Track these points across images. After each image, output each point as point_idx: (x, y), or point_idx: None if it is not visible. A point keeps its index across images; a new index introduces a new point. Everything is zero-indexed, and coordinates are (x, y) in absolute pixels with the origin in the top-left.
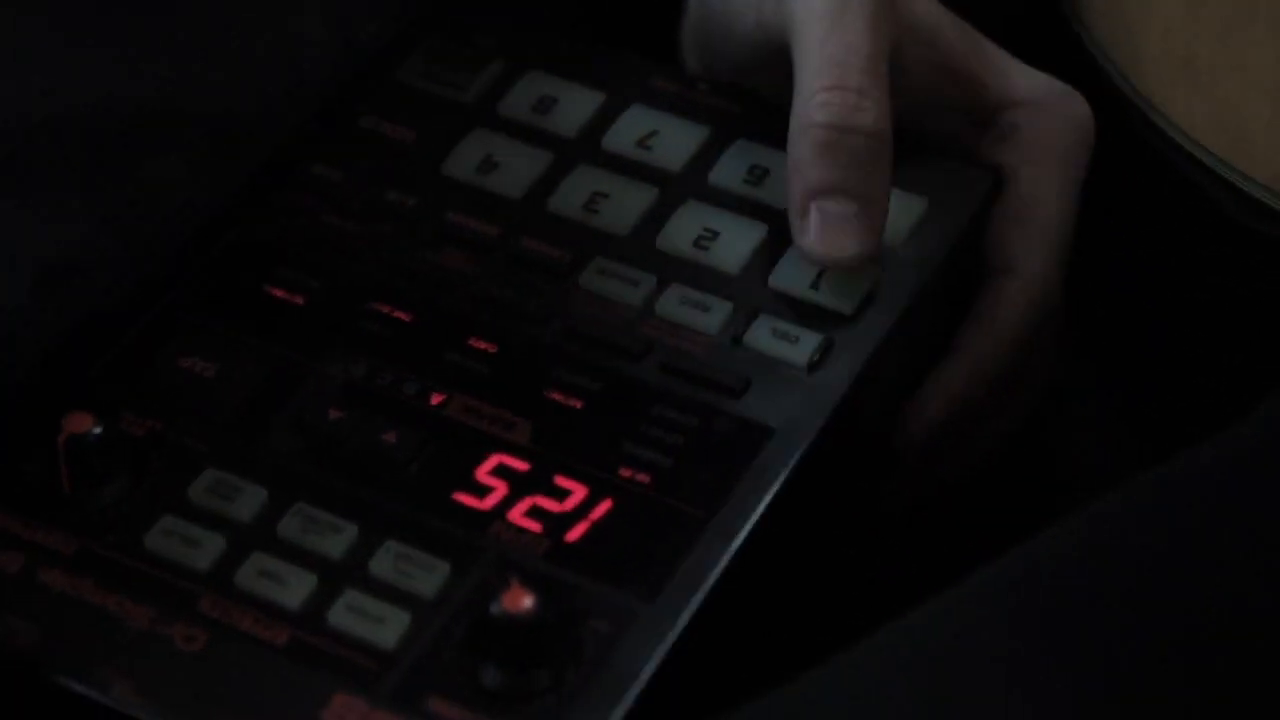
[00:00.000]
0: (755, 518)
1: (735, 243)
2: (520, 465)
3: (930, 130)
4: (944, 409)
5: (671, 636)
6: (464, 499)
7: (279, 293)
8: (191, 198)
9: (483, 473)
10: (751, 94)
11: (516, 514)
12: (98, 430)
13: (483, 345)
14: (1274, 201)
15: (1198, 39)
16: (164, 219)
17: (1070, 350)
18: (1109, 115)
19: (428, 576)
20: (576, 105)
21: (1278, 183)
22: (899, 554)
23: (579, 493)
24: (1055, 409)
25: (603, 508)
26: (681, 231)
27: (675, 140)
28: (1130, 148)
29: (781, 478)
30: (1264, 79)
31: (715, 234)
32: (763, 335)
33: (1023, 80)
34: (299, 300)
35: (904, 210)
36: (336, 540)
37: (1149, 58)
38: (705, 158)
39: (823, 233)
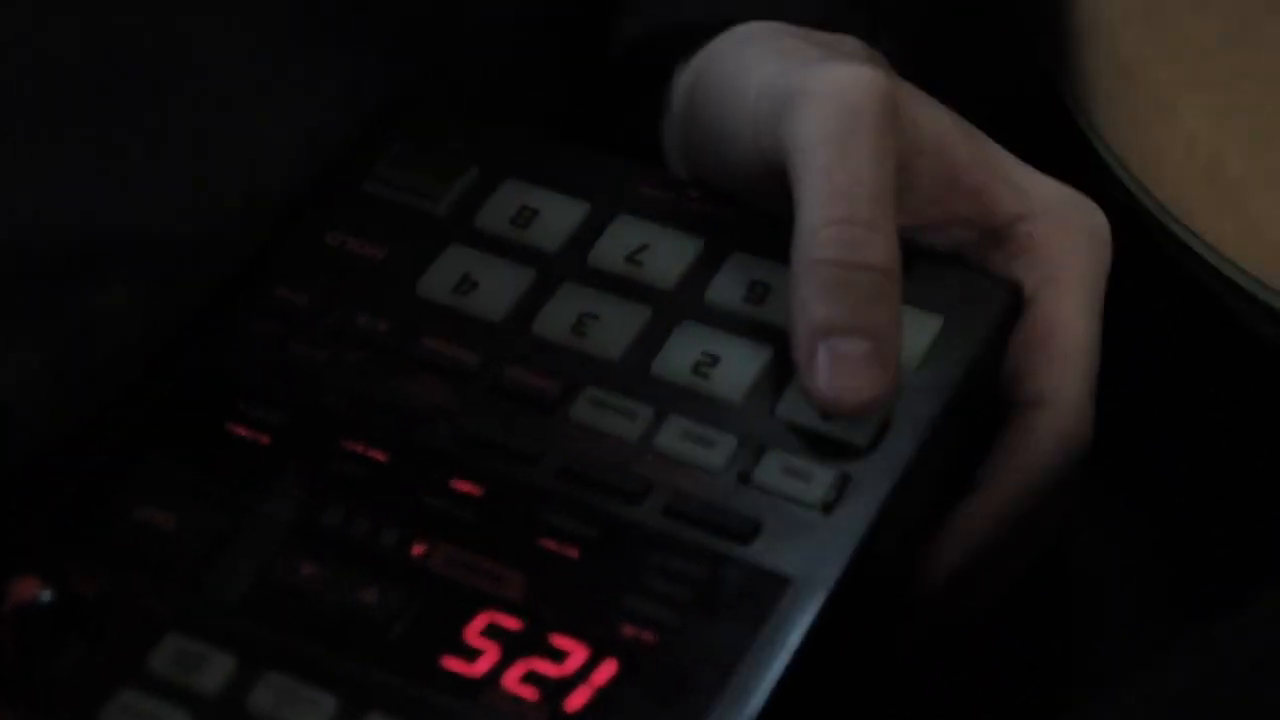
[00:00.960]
0: (775, 680)
1: (737, 368)
2: (513, 624)
3: (940, 246)
4: (968, 551)
5: None
6: (452, 664)
7: (241, 431)
8: (139, 328)
9: (472, 633)
10: (747, 203)
11: (511, 680)
12: (47, 596)
13: (467, 488)
14: None
15: (1227, 150)
16: (108, 353)
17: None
18: (1125, 225)
19: None
20: (559, 216)
21: None
22: (914, 697)
23: (579, 654)
24: (1073, 538)
25: (605, 671)
26: (679, 356)
27: (667, 254)
28: (1149, 261)
29: (801, 633)
30: None
31: (715, 359)
32: (772, 472)
33: (1037, 190)
34: (264, 439)
35: (918, 329)
36: (314, 715)
37: (1171, 166)
38: (700, 273)
39: (833, 375)
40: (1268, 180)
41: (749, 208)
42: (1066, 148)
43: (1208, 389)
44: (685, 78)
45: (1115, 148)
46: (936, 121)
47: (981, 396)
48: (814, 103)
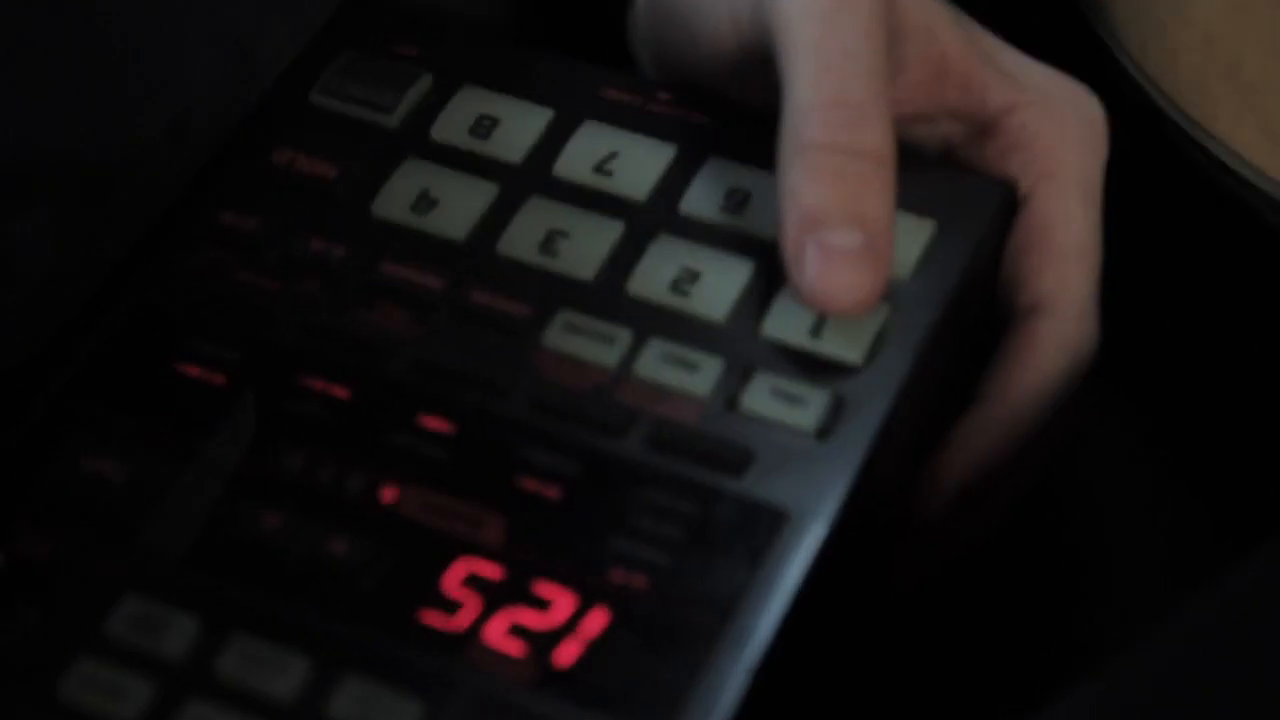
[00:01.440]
0: (777, 620)
1: (719, 284)
2: (493, 572)
3: (929, 139)
4: (971, 469)
5: None
6: (431, 618)
7: (193, 371)
8: (66, 255)
9: (451, 583)
10: (721, 101)
11: (495, 633)
12: None
13: (436, 424)
14: None
15: (1245, 48)
16: (33, 282)
17: (1097, 377)
18: (1140, 125)
19: None
20: (520, 125)
21: None
22: (916, 626)
23: (566, 603)
24: (1079, 444)
25: (596, 622)
26: (656, 273)
27: (638, 162)
28: (1166, 162)
29: (802, 568)
30: None
31: (695, 275)
32: (761, 397)
33: (1030, 79)
34: (218, 380)
35: (909, 235)
36: (286, 678)
37: (1187, 67)
38: (675, 182)
39: (825, 270)
40: None
41: (725, 109)
42: (1079, 44)
43: (1227, 292)
44: None
45: (1130, 46)
46: (927, 6)
47: (979, 304)
48: None
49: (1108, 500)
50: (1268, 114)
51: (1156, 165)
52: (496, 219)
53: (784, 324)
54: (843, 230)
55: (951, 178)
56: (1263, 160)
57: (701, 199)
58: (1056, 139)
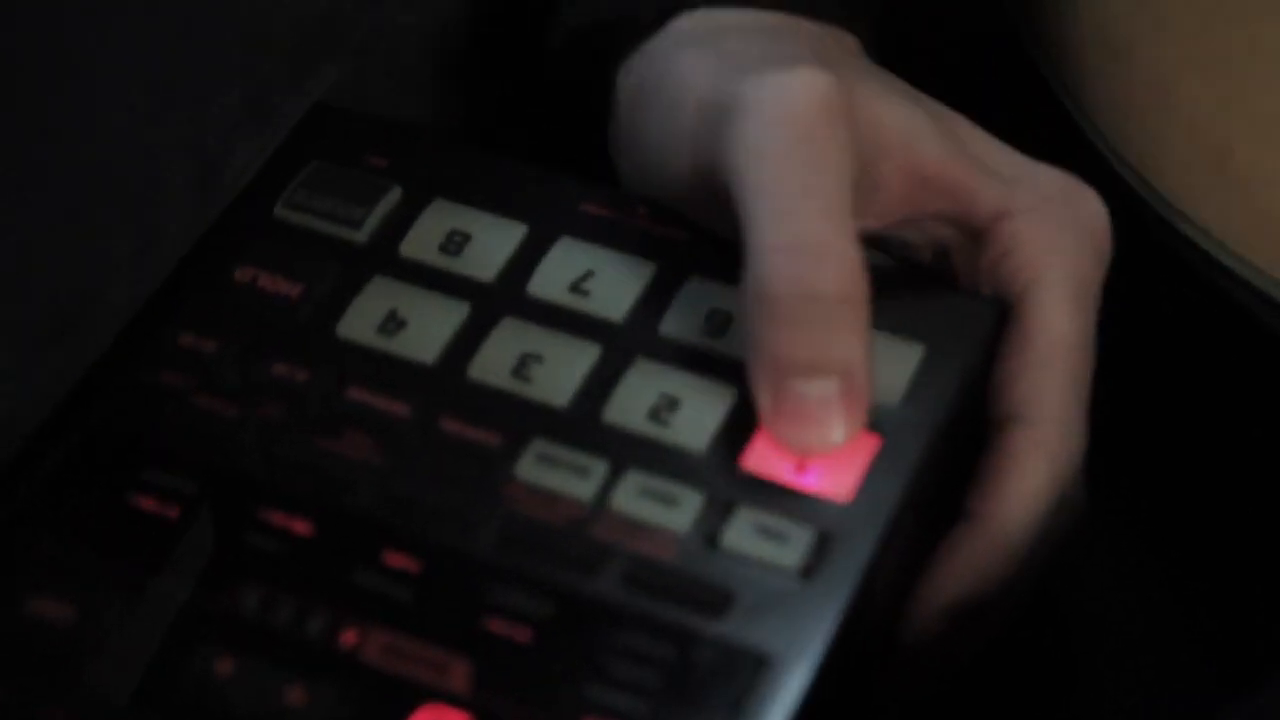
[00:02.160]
0: None
1: (700, 413)
2: None
3: (921, 244)
4: (959, 593)
5: None
6: None
7: (146, 503)
8: (27, 393)
9: None
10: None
11: None
12: None
13: (401, 562)
14: None
15: (1234, 137)
16: None
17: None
18: (1123, 218)
19: None
20: (494, 241)
21: None
22: None
23: None
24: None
25: None
26: (633, 401)
27: (616, 281)
28: (1152, 258)
29: (785, 717)
30: None
31: (675, 402)
32: (743, 533)
33: (1023, 181)
34: (172, 513)
35: (897, 361)
36: None
37: (1171, 156)
38: (654, 303)
39: (799, 419)
40: None
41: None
42: (1056, 133)
43: (1220, 393)
44: (626, 80)
45: (1110, 134)
46: (902, 117)
47: (971, 426)
48: (751, 116)
49: (1101, 610)
50: (1260, 206)
51: (1142, 261)
52: (468, 341)
53: (768, 456)
54: (813, 380)
55: (941, 298)
56: (1255, 255)
57: (682, 321)
58: (1049, 244)
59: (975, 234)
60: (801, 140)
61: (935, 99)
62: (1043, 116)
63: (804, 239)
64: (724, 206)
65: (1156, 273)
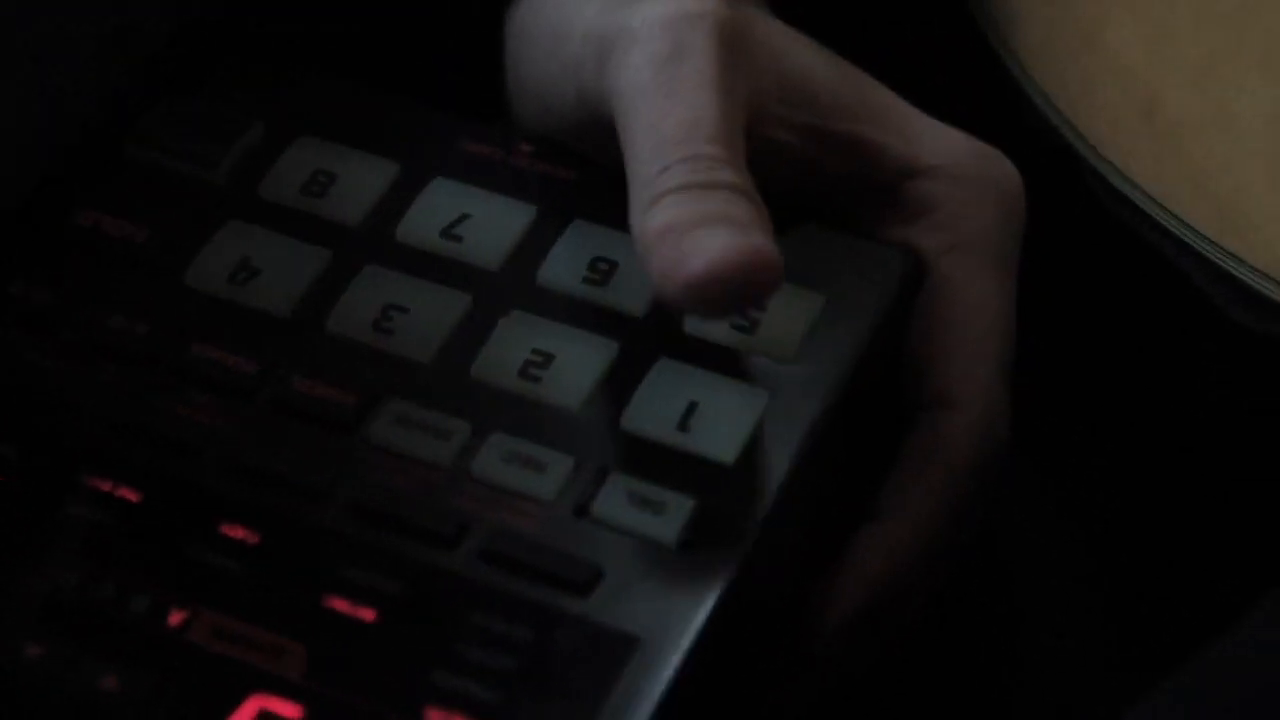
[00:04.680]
0: None
1: (576, 368)
2: (290, 712)
3: (831, 213)
4: (869, 592)
5: None
6: None
7: None
8: None
9: None
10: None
11: None
12: None
13: (239, 534)
14: (1275, 293)
15: (1164, 81)
16: None
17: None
18: (1054, 169)
19: None
20: (362, 182)
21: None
22: None
23: None
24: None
25: None
26: (504, 356)
27: (493, 226)
28: (1084, 212)
29: (652, 707)
30: (1255, 140)
31: (549, 357)
32: (615, 502)
33: (931, 141)
34: None
35: (794, 310)
36: None
37: (1102, 104)
38: (533, 249)
39: (691, 253)
40: (1217, 121)
41: (596, 165)
42: (988, 80)
43: (1150, 350)
44: (515, 14)
45: (1042, 80)
46: (803, 66)
47: (879, 393)
48: (635, 45)
49: (1026, 582)
50: (1188, 157)
51: (1073, 215)
52: (327, 291)
53: (648, 416)
54: (709, 227)
55: (846, 246)
56: (1184, 209)
57: (562, 269)
58: (963, 208)
59: (883, 195)
60: (688, 70)
61: (865, 47)
62: (975, 65)
63: (698, 150)
64: (611, 140)
65: (1088, 225)
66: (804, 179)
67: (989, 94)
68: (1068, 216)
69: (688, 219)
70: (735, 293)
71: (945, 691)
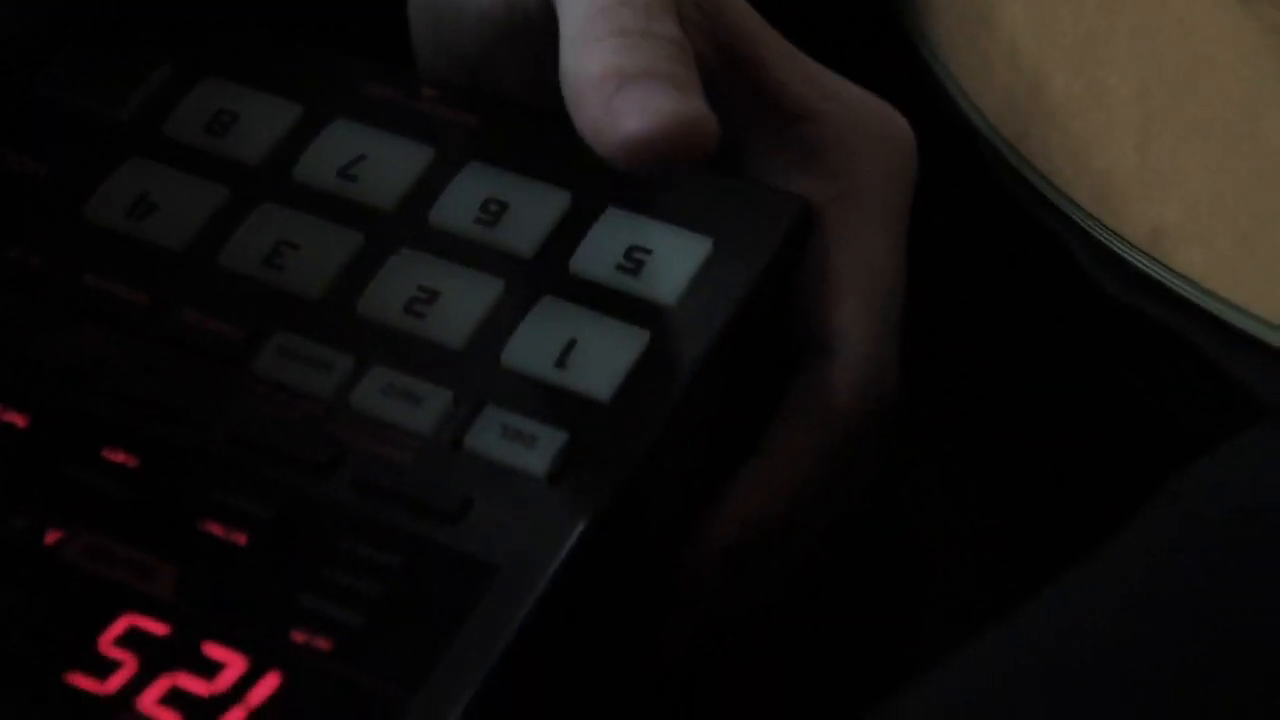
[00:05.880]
0: (468, 696)
1: (460, 305)
2: (159, 629)
3: (720, 149)
4: (743, 533)
5: None
6: (80, 680)
7: None
8: None
9: (107, 642)
10: (494, 101)
11: (149, 700)
12: None
13: (120, 458)
14: (1149, 267)
15: (1049, 61)
16: None
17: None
18: (955, 145)
19: None
20: (263, 122)
21: (1151, 245)
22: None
23: (235, 667)
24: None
25: (265, 688)
26: (390, 292)
27: (389, 167)
28: (982, 188)
29: (505, 638)
30: (1126, 115)
31: (434, 294)
32: (489, 435)
33: (829, 89)
34: None
35: (680, 254)
36: None
37: (998, 82)
38: (428, 190)
39: (623, 103)
40: (1093, 99)
41: (495, 109)
42: (895, 56)
43: (1038, 324)
44: None
45: (946, 58)
46: None
47: (764, 338)
48: None
49: (922, 522)
50: (1073, 138)
51: (975, 191)
52: (221, 227)
53: (527, 353)
54: (642, 80)
55: (736, 192)
56: (1072, 189)
57: (454, 209)
58: (854, 157)
59: (776, 134)
60: None
61: (777, 20)
62: (886, 45)
63: (628, 27)
64: (531, 44)
65: (989, 202)
66: (713, 90)
67: (897, 71)
68: (971, 192)
69: (629, 67)
70: (669, 156)
71: (839, 633)
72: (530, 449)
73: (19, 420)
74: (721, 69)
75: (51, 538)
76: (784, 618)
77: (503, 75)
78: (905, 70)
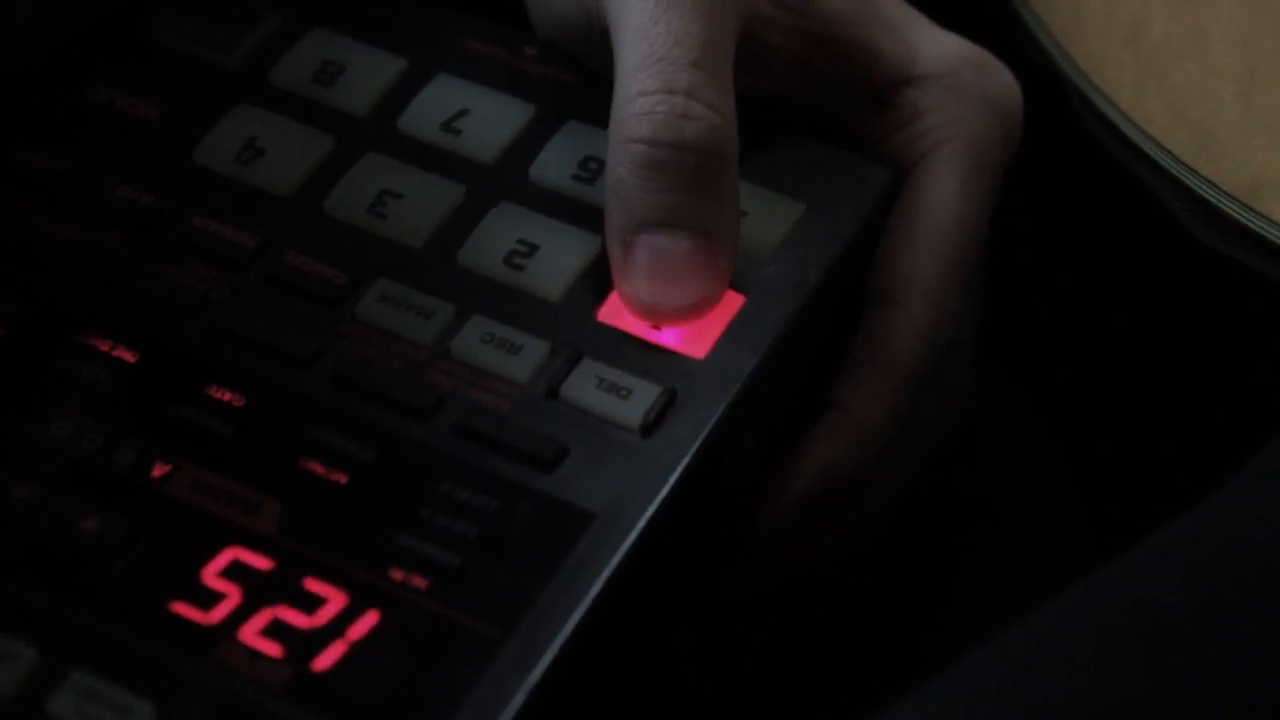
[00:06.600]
0: (562, 638)
1: (558, 260)
2: (262, 563)
3: (819, 114)
4: (816, 484)
5: None
6: (184, 610)
7: None
8: None
9: (211, 574)
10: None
11: (250, 631)
12: None
13: (226, 396)
14: (1245, 216)
15: (1148, 7)
16: None
17: (988, 378)
18: (1045, 94)
19: None
20: (369, 74)
21: (1250, 195)
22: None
23: (336, 602)
24: (971, 448)
25: (365, 624)
26: (490, 244)
27: (491, 121)
28: (1072, 136)
29: (599, 583)
30: (1229, 62)
31: (533, 248)
32: (585, 386)
33: (929, 48)
34: None
35: (774, 217)
36: (10, 669)
37: (1091, 29)
38: (527, 145)
39: (651, 273)
40: (1192, 44)
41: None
42: (983, 5)
43: (1129, 278)
44: None
45: (1034, 3)
46: None
47: (849, 299)
48: None
49: (996, 492)
50: (1170, 83)
51: (1061, 139)
52: (327, 175)
53: (625, 309)
54: (672, 234)
55: (830, 160)
56: (1166, 138)
57: (553, 165)
58: (951, 114)
59: (876, 100)
60: None
61: None
62: None
63: (674, 85)
64: (603, 47)
65: (1074, 149)
66: (794, 79)
67: (982, 16)
68: (1055, 141)
69: (660, 213)
70: (676, 319)
71: (913, 585)
72: (625, 401)
73: (129, 356)
74: (816, 58)
75: (159, 471)
76: (839, 582)
77: (590, 60)
78: (994, 17)
